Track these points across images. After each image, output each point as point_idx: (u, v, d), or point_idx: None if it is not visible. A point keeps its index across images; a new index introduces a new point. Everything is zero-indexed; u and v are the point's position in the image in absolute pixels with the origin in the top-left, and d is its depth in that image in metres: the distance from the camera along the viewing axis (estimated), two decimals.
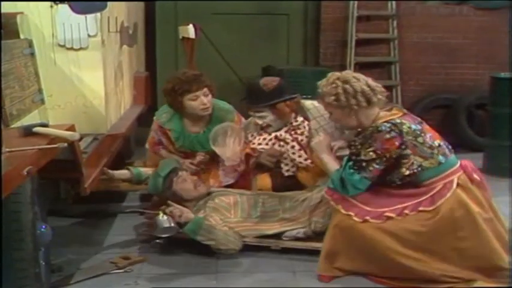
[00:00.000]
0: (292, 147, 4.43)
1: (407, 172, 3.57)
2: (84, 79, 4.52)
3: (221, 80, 7.39)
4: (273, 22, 7.60)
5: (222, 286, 3.64)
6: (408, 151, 3.55)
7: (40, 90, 4.15)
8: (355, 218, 3.60)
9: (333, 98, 3.65)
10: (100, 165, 4.26)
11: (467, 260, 3.53)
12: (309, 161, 4.40)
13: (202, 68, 6.56)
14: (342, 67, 7.28)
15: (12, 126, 3.47)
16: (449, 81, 7.54)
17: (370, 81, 3.72)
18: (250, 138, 4.52)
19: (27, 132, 3.28)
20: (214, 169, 4.58)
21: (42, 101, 4.17)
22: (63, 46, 4.44)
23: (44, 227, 3.34)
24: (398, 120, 3.59)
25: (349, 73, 3.75)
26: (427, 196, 3.57)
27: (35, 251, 3.13)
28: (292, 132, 4.45)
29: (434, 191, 3.56)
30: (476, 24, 7.47)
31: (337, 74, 3.73)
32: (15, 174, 2.77)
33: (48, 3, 4.31)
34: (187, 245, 4.00)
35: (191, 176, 4.29)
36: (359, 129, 3.71)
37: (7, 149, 2.86)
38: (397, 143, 3.53)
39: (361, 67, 7.35)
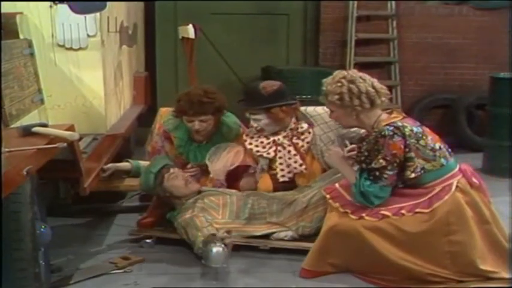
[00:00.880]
0: (289, 152, 4.41)
1: (413, 175, 3.57)
2: (83, 79, 4.52)
3: (221, 80, 7.40)
4: (273, 22, 7.60)
5: (221, 286, 3.64)
6: (412, 154, 3.55)
7: (40, 90, 4.15)
8: (351, 216, 3.62)
9: (336, 97, 3.64)
10: (99, 165, 4.26)
11: (457, 264, 3.54)
12: (303, 167, 4.39)
13: (202, 68, 6.60)
14: (342, 67, 7.26)
15: (12, 126, 3.47)
16: (449, 81, 7.54)
17: (376, 82, 3.71)
18: (248, 140, 4.51)
19: (27, 132, 3.28)
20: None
21: (42, 101, 4.17)
22: (62, 46, 4.44)
23: (43, 227, 3.34)
24: (399, 123, 3.58)
25: (355, 73, 3.73)
26: (425, 198, 3.57)
27: (34, 251, 3.12)
28: (294, 138, 4.43)
29: (433, 194, 3.57)
30: (476, 24, 7.47)
31: (344, 72, 3.72)
32: (14, 174, 2.77)
33: (48, 3, 4.31)
34: (187, 245, 4.00)
35: (183, 174, 4.29)
36: (362, 136, 3.71)
37: (7, 149, 2.86)
38: (402, 146, 3.53)
39: (360, 67, 7.32)
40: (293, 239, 4.07)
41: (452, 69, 7.52)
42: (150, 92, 6.72)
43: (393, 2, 7.37)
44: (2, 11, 3.65)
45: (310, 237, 3.97)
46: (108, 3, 4.23)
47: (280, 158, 4.41)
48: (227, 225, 4.06)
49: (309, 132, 4.43)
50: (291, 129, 4.44)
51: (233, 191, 4.35)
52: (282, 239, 4.07)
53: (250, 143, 4.48)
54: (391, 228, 3.56)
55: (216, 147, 4.48)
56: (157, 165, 4.25)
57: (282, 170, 4.42)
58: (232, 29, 7.50)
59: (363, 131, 4.02)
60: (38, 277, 3.18)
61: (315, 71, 7.02)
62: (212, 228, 3.98)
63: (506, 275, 3.54)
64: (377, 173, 3.56)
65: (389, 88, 7.34)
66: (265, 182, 4.45)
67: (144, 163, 4.49)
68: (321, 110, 4.41)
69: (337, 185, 3.82)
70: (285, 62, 7.59)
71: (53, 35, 4.39)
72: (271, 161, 4.45)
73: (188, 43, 5.98)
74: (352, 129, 4.17)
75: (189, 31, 5.87)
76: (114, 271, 3.79)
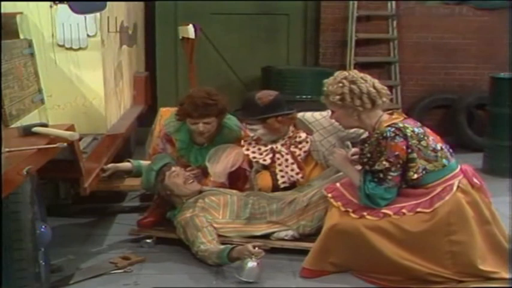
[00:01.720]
0: (286, 160, 4.42)
1: (415, 176, 3.57)
2: (83, 79, 4.52)
3: (221, 80, 7.42)
4: (273, 22, 7.60)
5: (222, 286, 3.64)
6: (414, 155, 3.55)
7: (40, 90, 4.16)
8: (352, 215, 3.62)
9: (338, 97, 3.64)
10: (100, 165, 4.26)
11: (458, 264, 3.54)
12: (300, 175, 4.40)
13: (202, 68, 6.60)
14: (342, 67, 7.28)
15: (12, 126, 3.47)
16: (449, 82, 7.54)
17: (377, 83, 3.71)
18: (246, 146, 4.51)
19: (27, 132, 3.28)
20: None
21: (42, 101, 4.17)
22: (62, 46, 4.44)
23: (43, 227, 3.34)
24: (401, 124, 3.58)
25: (357, 73, 3.72)
26: (427, 198, 3.57)
27: (34, 251, 3.13)
28: (292, 147, 4.43)
29: (434, 194, 3.57)
30: (476, 24, 7.47)
31: (345, 73, 3.72)
32: (14, 174, 2.77)
33: (48, 3, 4.30)
34: (187, 245, 4.00)
35: (184, 172, 4.28)
36: (364, 137, 3.71)
37: (7, 149, 2.86)
38: (404, 147, 3.53)
39: (360, 67, 7.34)
40: (294, 238, 4.06)
41: (452, 69, 7.52)
42: (150, 92, 6.72)
43: (393, 2, 7.38)
44: (2, 11, 3.65)
45: (311, 236, 3.98)
46: (108, 3, 4.22)
47: (279, 165, 4.42)
48: (227, 225, 4.07)
49: (307, 142, 4.45)
50: (289, 137, 4.46)
51: (234, 191, 4.35)
52: (282, 239, 4.07)
53: (248, 149, 4.50)
54: (392, 227, 3.56)
55: (216, 149, 4.48)
56: (159, 163, 4.25)
57: (282, 176, 4.43)
58: (232, 29, 7.50)
59: (361, 131, 4.03)
60: (38, 277, 3.18)
61: (315, 71, 7.03)
62: (211, 228, 3.98)
63: (506, 275, 3.54)
64: (381, 175, 3.56)
65: (390, 88, 7.33)
66: (265, 179, 4.45)
67: (145, 163, 4.49)
68: (318, 115, 4.41)
69: (338, 184, 3.82)
70: (285, 62, 7.60)
71: (53, 35, 4.39)
72: (267, 166, 4.46)
73: (188, 43, 5.98)
74: (351, 130, 4.17)
75: (189, 31, 5.86)
76: (114, 271, 3.79)
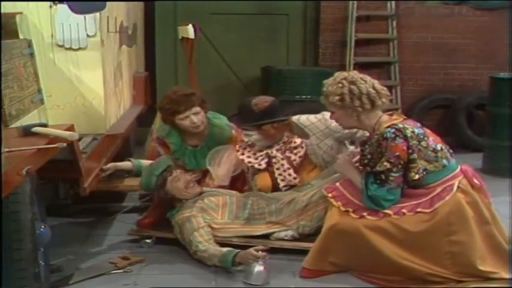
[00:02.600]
0: (282, 165, 4.41)
1: (416, 176, 3.57)
2: (83, 79, 4.51)
3: (220, 80, 7.43)
4: (273, 22, 7.59)
5: (221, 286, 3.64)
6: (415, 155, 3.55)
7: (39, 90, 4.15)
8: (352, 215, 3.62)
9: (337, 98, 3.64)
10: (99, 165, 4.26)
11: (457, 265, 3.54)
12: (297, 180, 4.39)
13: (201, 68, 6.60)
14: (342, 67, 7.28)
15: (12, 126, 3.47)
16: (448, 82, 7.54)
17: (376, 83, 3.70)
18: (240, 150, 4.49)
19: (27, 132, 3.28)
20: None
21: (42, 101, 4.17)
22: (62, 46, 4.44)
23: (43, 227, 3.34)
24: (401, 125, 3.59)
25: (356, 74, 3.72)
26: (427, 198, 3.58)
27: (34, 251, 3.12)
28: (287, 152, 4.43)
29: (434, 194, 3.57)
30: (476, 25, 7.47)
31: (345, 73, 3.72)
32: (14, 174, 2.77)
33: (48, 3, 4.30)
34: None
35: (184, 176, 4.28)
36: (364, 139, 3.71)
37: (6, 149, 2.86)
38: (404, 148, 3.53)
39: (360, 67, 7.35)
40: (293, 238, 4.07)
41: (452, 69, 7.52)
42: (149, 92, 6.71)
43: (393, 2, 7.38)
44: (2, 11, 3.65)
45: (310, 236, 3.98)
46: (107, 3, 4.22)
47: (277, 169, 4.41)
48: (226, 226, 4.07)
49: (302, 147, 4.43)
50: (284, 142, 4.44)
51: (233, 191, 4.35)
52: (282, 239, 4.07)
53: (243, 153, 4.47)
54: (392, 227, 3.57)
55: (215, 151, 4.47)
56: (160, 168, 4.24)
57: (283, 180, 4.42)
58: (232, 29, 7.50)
59: (355, 130, 4.02)
60: (38, 277, 3.18)
61: (314, 71, 7.03)
62: (208, 229, 3.98)
63: (506, 276, 3.54)
64: (383, 176, 3.56)
65: (389, 88, 7.34)
66: (264, 179, 4.44)
67: (145, 162, 4.48)
68: (313, 119, 4.40)
69: (337, 184, 3.82)
70: (285, 62, 7.59)
71: (52, 35, 4.39)
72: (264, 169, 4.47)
73: (188, 43, 5.98)
74: (346, 130, 4.17)
75: (189, 31, 5.86)
76: (114, 271, 3.79)
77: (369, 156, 3.60)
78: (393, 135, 3.53)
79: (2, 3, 3.62)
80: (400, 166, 3.54)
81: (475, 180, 3.65)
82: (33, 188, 3.17)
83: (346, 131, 4.17)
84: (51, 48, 4.41)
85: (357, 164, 3.80)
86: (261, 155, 4.43)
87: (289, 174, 4.39)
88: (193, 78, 5.96)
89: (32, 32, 4.26)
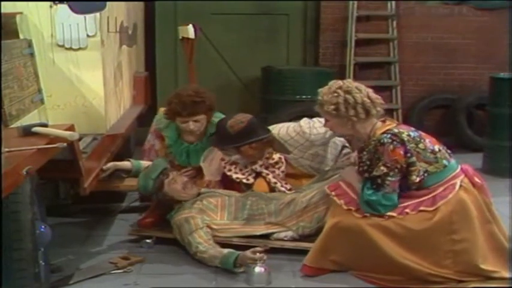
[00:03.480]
0: (269, 180, 4.42)
1: (418, 179, 3.58)
2: (83, 79, 4.51)
3: (221, 80, 7.43)
4: (273, 22, 7.59)
5: (222, 286, 3.64)
6: (414, 158, 3.56)
7: (39, 90, 4.15)
8: (355, 214, 3.63)
9: (332, 107, 3.65)
10: (99, 165, 4.26)
11: (458, 264, 3.54)
12: (288, 186, 4.41)
13: (202, 68, 6.59)
14: (342, 67, 7.30)
15: (12, 126, 3.47)
16: (448, 82, 7.54)
17: (371, 93, 3.72)
18: (227, 166, 4.44)
19: (27, 132, 3.28)
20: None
21: (42, 101, 4.17)
22: (62, 46, 4.44)
23: (43, 227, 3.34)
24: (396, 130, 3.60)
25: (351, 83, 3.74)
26: (429, 196, 3.58)
27: (34, 251, 3.12)
28: (270, 168, 4.43)
29: (436, 192, 3.58)
30: (476, 25, 7.47)
31: (340, 82, 3.73)
32: (14, 174, 2.77)
33: (48, 3, 4.30)
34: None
35: (181, 177, 4.28)
36: (362, 146, 3.71)
37: (6, 149, 2.86)
38: (401, 152, 3.54)
39: (360, 67, 7.37)
40: (293, 239, 4.07)
41: (452, 69, 7.52)
42: (150, 92, 6.71)
43: (393, 2, 7.37)
44: (2, 11, 3.65)
45: (310, 237, 3.98)
46: (108, 3, 4.22)
47: (268, 182, 4.41)
48: (225, 226, 4.07)
49: (282, 162, 4.44)
50: (266, 158, 4.43)
51: (232, 192, 4.35)
52: (281, 239, 4.07)
53: (230, 170, 4.44)
54: (394, 225, 3.57)
55: (210, 150, 4.48)
56: (156, 171, 4.23)
57: (282, 186, 4.43)
58: (232, 29, 7.50)
59: (328, 134, 4.11)
60: (38, 277, 3.17)
61: (314, 71, 7.04)
62: (207, 229, 3.98)
63: (507, 275, 3.55)
64: (379, 181, 3.57)
65: (389, 88, 7.39)
66: (261, 185, 4.43)
67: (144, 163, 4.49)
68: (292, 132, 4.39)
69: (341, 182, 3.82)
70: (285, 62, 7.60)
71: (52, 35, 4.39)
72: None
73: (188, 43, 5.98)
74: (327, 135, 4.28)
75: (189, 31, 5.86)
76: (114, 271, 3.79)
77: (368, 163, 3.62)
78: (390, 141, 3.54)
79: (2, 3, 3.62)
80: (396, 170, 3.54)
81: (476, 179, 3.66)
82: (33, 188, 3.17)
83: (327, 135, 4.27)
84: (51, 48, 4.41)
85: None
86: (247, 171, 4.43)
87: (282, 186, 4.40)
88: (194, 78, 5.96)
89: (32, 32, 4.26)
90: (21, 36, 4.15)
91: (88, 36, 4.49)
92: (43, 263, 3.33)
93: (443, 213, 3.53)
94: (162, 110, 4.75)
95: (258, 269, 3.62)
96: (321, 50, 7.51)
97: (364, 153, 3.65)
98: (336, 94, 3.65)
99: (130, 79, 5.96)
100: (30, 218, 3.09)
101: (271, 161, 4.43)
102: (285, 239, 4.07)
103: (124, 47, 5.59)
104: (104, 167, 4.33)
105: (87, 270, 3.80)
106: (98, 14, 4.41)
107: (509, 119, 5.99)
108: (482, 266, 3.53)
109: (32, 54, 4.13)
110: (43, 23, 4.35)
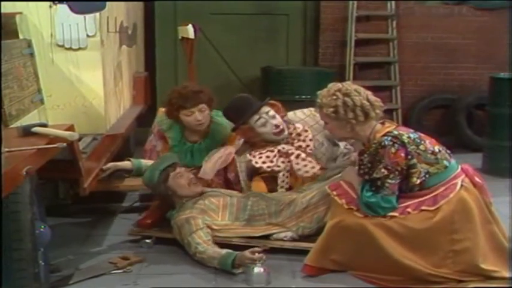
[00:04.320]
0: (297, 156, 4.29)
1: (418, 181, 3.58)
2: (83, 79, 4.52)
3: (220, 80, 7.42)
4: (272, 22, 7.59)
5: (221, 286, 3.64)
6: (414, 160, 3.56)
7: (39, 91, 4.15)
8: (357, 213, 3.62)
9: (331, 109, 3.65)
10: (99, 166, 4.26)
11: (459, 263, 3.54)
12: (317, 168, 4.27)
13: (201, 68, 6.59)
14: (341, 67, 7.30)
15: (12, 126, 3.47)
16: (448, 82, 7.54)
17: (370, 95, 3.72)
18: (253, 159, 4.35)
19: (27, 132, 3.28)
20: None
21: (42, 101, 4.17)
22: (62, 46, 4.44)
23: (43, 227, 3.34)
24: (396, 132, 3.60)
25: (350, 85, 3.73)
26: (430, 196, 3.59)
27: (34, 251, 3.12)
28: (295, 141, 4.34)
29: (438, 192, 3.58)
30: (476, 25, 7.47)
31: (339, 85, 3.72)
32: (14, 174, 2.77)
33: (47, 3, 4.30)
34: None
35: (188, 174, 4.27)
36: (363, 148, 3.70)
37: (6, 149, 2.86)
38: (403, 155, 3.54)
39: (360, 67, 7.37)
40: (293, 240, 4.06)
41: (452, 69, 7.52)
42: (149, 92, 6.71)
43: (393, 2, 7.37)
44: (2, 11, 3.65)
45: (310, 237, 3.98)
46: (107, 3, 4.22)
47: (297, 164, 4.28)
48: (226, 227, 4.07)
49: (306, 130, 4.37)
50: (290, 133, 4.38)
51: (234, 192, 4.34)
52: (281, 239, 4.07)
53: (257, 162, 4.34)
54: (396, 225, 3.58)
55: (214, 150, 4.48)
56: (165, 163, 4.23)
57: (283, 181, 4.35)
58: (231, 29, 7.50)
59: None
60: (38, 277, 3.17)
61: (314, 71, 7.04)
62: (208, 230, 3.98)
63: (507, 274, 3.55)
64: (378, 183, 3.57)
65: (389, 88, 7.39)
66: (259, 186, 4.42)
67: (145, 162, 4.49)
68: (302, 114, 4.39)
69: (341, 182, 3.82)
70: (285, 62, 7.59)
71: (52, 35, 4.39)
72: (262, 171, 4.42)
73: (188, 43, 5.98)
74: (341, 145, 4.30)
75: (189, 31, 5.86)
76: (114, 271, 3.79)
77: (369, 165, 3.61)
78: (391, 143, 3.54)
79: (2, 3, 3.62)
80: (397, 173, 3.54)
81: (477, 179, 3.67)
82: (33, 188, 3.17)
83: None
84: (51, 48, 4.41)
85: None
86: (274, 155, 4.33)
87: (306, 165, 4.31)
88: (193, 78, 5.96)
89: (32, 32, 4.26)
90: (20, 36, 4.15)
91: (88, 36, 4.50)
92: (43, 263, 3.33)
93: (445, 213, 3.53)
94: (161, 110, 4.75)
95: (257, 269, 3.62)
96: (320, 50, 7.51)
97: (365, 155, 3.64)
98: (334, 97, 3.65)
99: (130, 79, 5.96)
100: (30, 218, 3.09)
101: (297, 131, 4.34)
102: (285, 239, 4.07)
103: (124, 47, 5.60)
104: (104, 167, 4.33)
105: (86, 270, 3.80)
106: (97, 14, 4.42)
107: (509, 119, 5.99)
108: (483, 266, 3.53)
109: (31, 54, 4.13)
110: (43, 23, 4.35)
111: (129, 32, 5.95)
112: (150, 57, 7.35)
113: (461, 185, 3.58)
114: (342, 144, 4.45)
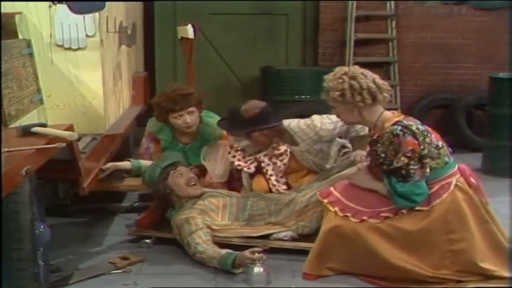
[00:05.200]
0: (266, 171, 4.41)
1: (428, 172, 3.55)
2: (82, 79, 4.51)
3: (220, 80, 7.42)
4: (272, 22, 7.59)
5: (221, 286, 3.64)
6: (426, 151, 3.53)
7: (39, 90, 4.15)
8: (352, 219, 3.61)
9: (338, 93, 3.62)
10: (98, 165, 4.26)
11: (457, 263, 3.54)
12: (284, 180, 4.42)
13: (201, 68, 6.59)
14: None
15: (11, 126, 3.46)
16: (448, 82, 7.54)
17: (377, 78, 3.68)
18: (232, 153, 4.47)
19: (26, 132, 3.28)
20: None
21: (41, 101, 4.17)
22: (61, 46, 4.44)
23: (42, 227, 3.34)
24: (406, 122, 3.57)
25: (357, 69, 3.70)
26: None
27: (33, 251, 3.12)
28: (274, 158, 4.41)
29: (432, 192, 3.56)
30: (475, 25, 7.47)
31: (345, 68, 3.70)
32: (13, 174, 2.77)
33: (47, 3, 4.30)
34: None
35: (188, 173, 4.26)
36: (373, 138, 3.68)
37: (6, 149, 2.86)
38: (416, 142, 3.51)
39: (360, 67, 7.34)
40: (293, 239, 4.06)
41: (452, 69, 7.52)
42: (149, 92, 6.70)
43: (392, 2, 7.37)
44: (2, 11, 3.64)
45: (310, 237, 3.97)
46: (107, 3, 4.22)
47: (265, 174, 4.41)
48: (226, 227, 4.07)
49: (286, 155, 4.42)
50: (273, 148, 4.42)
51: (233, 192, 4.35)
52: (281, 239, 4.07)
53: (234, 156, 4.46)
54: (389, 227, 3.57)
55: (209, 147, 4.49)
56: (167, 161, 4.24)
57: (273, 185, 4.42)
58: (231, 29, 7.50)
59: (336, 131, 4.13)
60: (37, 277, 3.17)
61: (314, 71, 7.03)
62: (207, 230, 3.97)
63: (506, 274, 3.54)
64: (403, 172, 3.51)
65: None
66: (260, 183, 4.43)
67: (145, 162, 4.49)
68: (303, 125, 4.39)
69: (331, 188, 3.80)
70: (284, 62, 7.59)
71: (51, 35, 4.39)
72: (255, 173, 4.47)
73: (187, 43, 5.98)
74: (335, 132, 4.30)
75: (188, 31, 5.86)
76: (114, 271, 3.79)
77: (383, 155, 3.55)
78: (402, 132, 3.51)
79: (2, 3, 3.62)
80: (416, 159, 3.51)
81: (472, 180, 3.65)
82: (33, 188, 3.17)
83: (335, 132, 4.29)
84: (50, 48, 4.40)
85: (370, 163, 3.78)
86: (250, 159, 4.43)
87: (276, 181, 4.39)
88: (193, 78, 5.96)
89: (31, 32, 4.26)
90: (20, 36, 4.14)
91: (87, 36, 4.49)
92: (42, 263, 3.33)
93: (438, 213, 3.53)
94: None
95: (257, 269, 3.62)
96: (320, 50, 7.51)
97: (379, 145, 3.58)
98: (341, 80, 3.62)
99: (129, 79, 5.96)
100: (30, 218, 3.09)
101: (276, 152, 4.41)
102: (285, 239, 4.06)
103: (123, 47, 5.59)
104: (103, 167, 4.33)
105: (86, 270, 3.80)
106: (97, 14, 4.41)
107: (509, 119, 6.00)
108: (482, 265, 3.53)
109: (31, 54, 4.13)
110: (42, 23, 4.35)
111: (129, 32, 5.95)
112: (150, 57, 7.34)
113: (456, 185, 3.57)
114: (340, 141, 4.46)
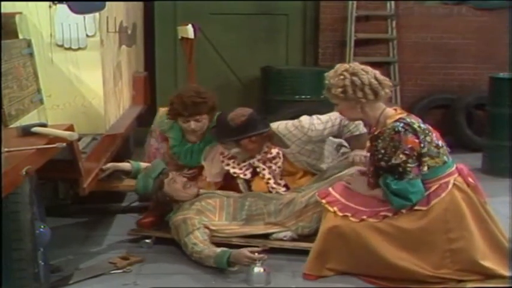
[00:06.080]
0: (263, 175, 4.40)
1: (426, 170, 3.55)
2: (82, 79, 4.51)
3: (220, 80, 7.42)
4: (272, 22, 7.59)
5: (221, 286, 3.64)
6: (425, 149, 3.53)
7: (39, 90, 4.15)
8: (352, 219, 3.61)
9: (340, 90, 3.61)
10: (99, 166, 4.26)
11: (458, 262, 3.54)
12: (283, 182, 4.40)
13: (201, 68, 6.60)
14: None
15: (11, 126, 3.46)
16: (448, 82, 7.54)
17: (378, 74, 3.68)
18: (225, 161, 4.44)
19: (26, 132, 3.28)
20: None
21: (41, 101, 4.17)
22: (61, 46, 4.44)
23: (42, 227, 3.34)
24: (408, 119, 3.58)
25: (357, 65, 3.70)
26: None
27: (33, 251, 3.12)
28: (267, 162, 4.41)
29: (430, 191, 3.57)
30: (475, 25, 7.47)
31: (346, 65, 3.69)
32: (14, 174, 2.77)
33: (47, 3, 4.30)
34: None
35: (180, 177, 4.28)
36: (374, 134, 3.68)
37: (6, 149, 2.86)
38: (416, 140, 3.51)
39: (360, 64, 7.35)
40: (292, 239, 4.06)
41: (452, 69, 7.52)
42: (149, 92, 6.71)
43: (392, 2, 7.38)
44: (2, 11, 3.64)
45: (309, 237, 3.97)
46: (107, 3, 4.22)
47: (262, 178, 4.40)
48: (224, 227, 4.07)
49: (280, 157, 4.41)
50: (265, 152, 4.41)
51: (230, 192, 4.34)
52: (281, 239, 4.07)
53: (228, 164, 4.44)
54: (389, 227, 3.57)
55: (211, 148, 4.48)
56: (156, 171, 4.23)
57: (272, 188, 4.42)
58: (231, 29, 7.50)
59: (326, 132, 4.15)
60: (37, 277, 3.17)
61: (314, 71, 7.03)
62: (205, 230, 3.97)
63: (506, 273, 3.54)
64: (400, 169, 3.51)
65: None
66: (259, 185, 4.43)
67: (144, 165, 4.49)
68: (291, 127, 4.37)
69: (330, 189, 3.80)
70: (284, 62, 7.60)
71: (52, 35, 4.39)
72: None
73: (187, 43, 5.98)
74: (325, 133, 4.29)
75: (188, 31, 5.86)
76: (114, 271, 3.79)
77: (382, 151, 3.55)
78: (403, 129, 3.51)
79: (2, 3, 3.62)
80: (414, 157, 3.51)
81: (470, 179, 3.65)
82: (33, 188, 3.17)
83: (326, 133, 4.27)
84: (50, 48, 4.40)
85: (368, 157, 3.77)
86: (245, 165, 4.43)
87: (275, 183, 4.39)
88: (193, 78, 5.96)
89: (32, 32, 4.26)
90: (20, 36, 4.14)
91: (87, 36, 4.49)
92: (42, 263, 3.33)
93: (437, 212, 3.53)
94: (161, 110, 4.75)
95: (257, 269, 3.62)
96: (320, 50, 7.51)
97: (379, 141, 3.58)
98: (342, 77, 3.61)
99: (129, 79, 5.96)
100: (30, 218, 3.09)
101: (269, 156, 4.40)
102: (284, 239, 4.07)
103: (123, 47, 5.59)
104: (104, 167, 4.33)
105: (86, 270, 3.80)
106: (97, 14, 4.41)
107: (509, 119, 6.00)
108: (482, 263, 3.53)
109: (31, 54, 4.13)
110: (42, 23, 4.35)
111: (129, 31, 5.95)
112: (150, 57, 7.34)
113: (454, 184, 3.57)
114: (335, 140, 4.46)
